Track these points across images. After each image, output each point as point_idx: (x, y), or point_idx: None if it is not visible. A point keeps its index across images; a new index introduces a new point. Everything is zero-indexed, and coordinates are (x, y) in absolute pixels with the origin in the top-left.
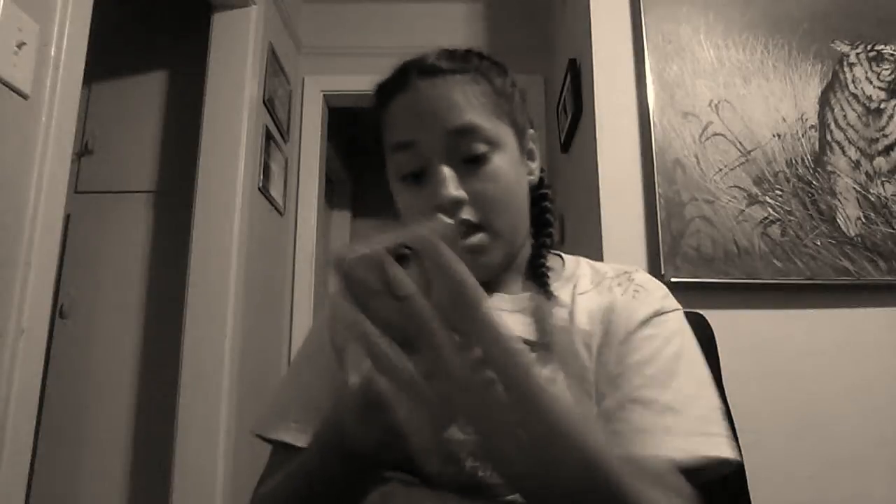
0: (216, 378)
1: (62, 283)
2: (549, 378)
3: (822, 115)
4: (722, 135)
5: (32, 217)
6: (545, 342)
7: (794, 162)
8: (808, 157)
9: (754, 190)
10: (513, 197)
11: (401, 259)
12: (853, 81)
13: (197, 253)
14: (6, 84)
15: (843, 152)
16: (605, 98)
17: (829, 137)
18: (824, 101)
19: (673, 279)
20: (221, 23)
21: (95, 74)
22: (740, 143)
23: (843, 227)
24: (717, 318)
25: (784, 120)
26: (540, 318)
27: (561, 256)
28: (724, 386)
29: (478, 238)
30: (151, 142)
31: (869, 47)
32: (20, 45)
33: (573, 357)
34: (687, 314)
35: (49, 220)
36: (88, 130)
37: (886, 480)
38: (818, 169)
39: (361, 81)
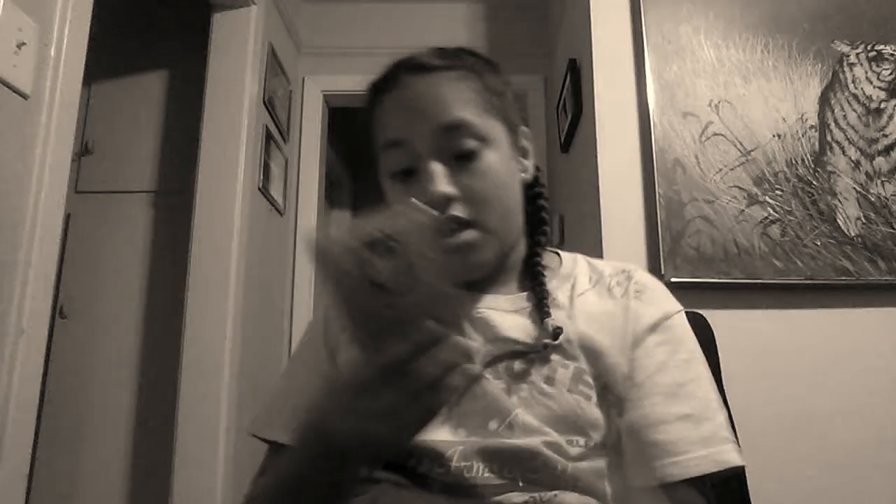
0: (216, 378)
1: (62, 283)
2: (548, 377)
3: (822, 115)
4: (722, 135)
5: (32, 217)
6: (543, 343)
7: (794, 162)
8: (808, 157)
9: (754, 190)
10: (504, 194)
11: (380, 246)
12: (853, 81)
13: (197, 253)
14: (6, 84)
15: (843, 152)
16: (605, 98)
17: (829, 137)
18: (824, 101)
19: (673, 279)
20: (221, 23)
21: (95, 74)
22: (740, 143)
23: (843, 227)
24: (717, 318)
25: (784, 120)
26: (537, 319)
27: (558, 254)
28: (724, 386)
29: (468, 235)
30: (151, 142)
31: (869, 47)
32: (20, 45)
33: (571, 358)
34: (687, 314)
35: (49, 220)
36: (88, 130)
37: (886, 480)
38: (818, 169)
39: (361, 81)
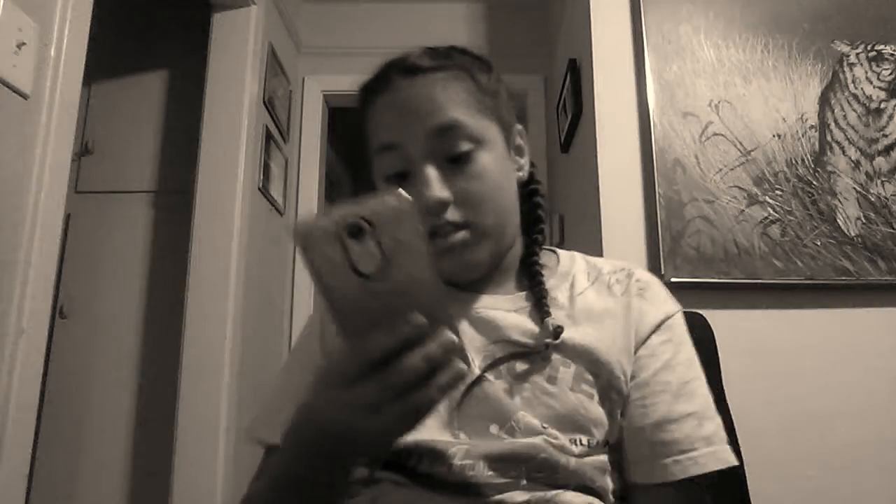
0: (216, 378)
1: (62, 283)
2: (550, 377)
3: (822, 115)
4: (722, 135)
5: (32, 217)
6: (545, 342)
7: (794, 162)
8: (808, 157)
9: (754, 190)
10: (499, 195)
11: (360, 232)
12: (853, 81)
13: (197, 253)
14: (6, 84)
15: (843, 152)
16: (605, 98)
17: (829, 137)
18: (824, 101)
19: (673, 279)
20: (221, 23)
21: (95, 74)
22: (740, 143)
23: (843, 227)
24: (717, 318)
25: (784, 120)
26: (537, 319)
27: (555, 252)
28: (724, 386)
29: (462, 236)
30: (151, 142)
31: (869, 47)
32: (20, 45)
33: (573, 357)
34: (687, 314)
35: (49, 220)
36: (88, 130)
37: (886, 480)
38: (818, 169)
39: (361, 81)
